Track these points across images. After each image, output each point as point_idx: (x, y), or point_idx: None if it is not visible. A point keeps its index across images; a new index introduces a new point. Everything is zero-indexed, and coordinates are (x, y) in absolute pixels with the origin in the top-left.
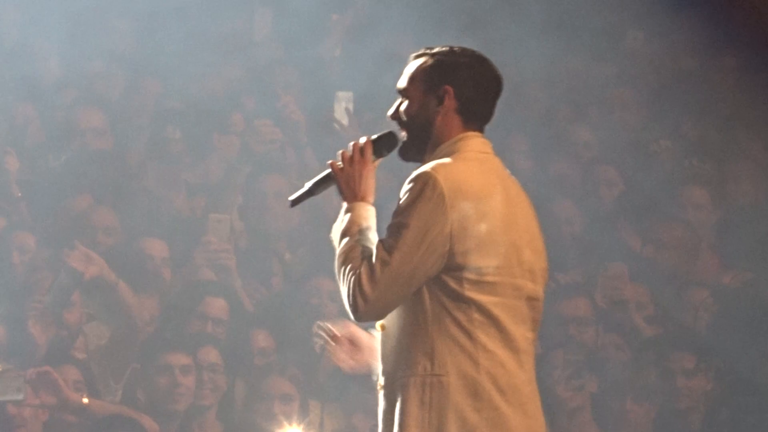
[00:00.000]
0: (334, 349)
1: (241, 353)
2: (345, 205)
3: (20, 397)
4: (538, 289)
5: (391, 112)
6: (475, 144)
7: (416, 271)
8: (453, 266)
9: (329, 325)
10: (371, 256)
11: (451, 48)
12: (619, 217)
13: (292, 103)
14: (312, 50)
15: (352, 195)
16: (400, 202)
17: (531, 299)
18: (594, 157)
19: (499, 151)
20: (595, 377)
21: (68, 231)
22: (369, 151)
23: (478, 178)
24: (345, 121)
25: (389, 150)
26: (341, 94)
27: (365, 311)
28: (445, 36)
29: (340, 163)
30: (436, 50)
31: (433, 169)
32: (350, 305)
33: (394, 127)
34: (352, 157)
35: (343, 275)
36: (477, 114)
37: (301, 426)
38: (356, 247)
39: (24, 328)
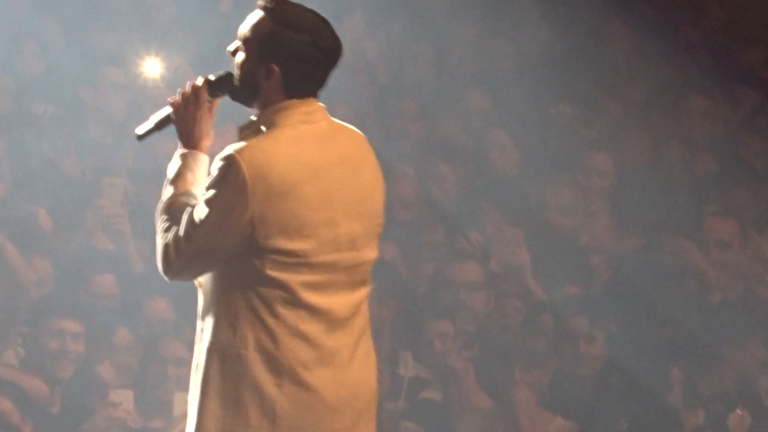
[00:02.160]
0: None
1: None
2: (179, 148)
3: None
4: (362, 254)
5: (230, 48)
6: (295, 115)
7: (217, 249)
8: (257, 248)
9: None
10: (181, 223)
11: (296, 13)
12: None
13: (184, 64)
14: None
15: (186, 139)
16: (210, 177)
17: (353, 266)
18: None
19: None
20: (482, 344)
21: None
22: (204, 95)
23: (287, 159)
24: None
25: (227, 91)
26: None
27: (171, 276)
28: None
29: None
30: (281, 14)
31: (238, 152)
32: (160, 266)
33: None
34: (188, 99)
35: (157, 232)
36: (303, 88)
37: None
38: (174, 204)
39: None
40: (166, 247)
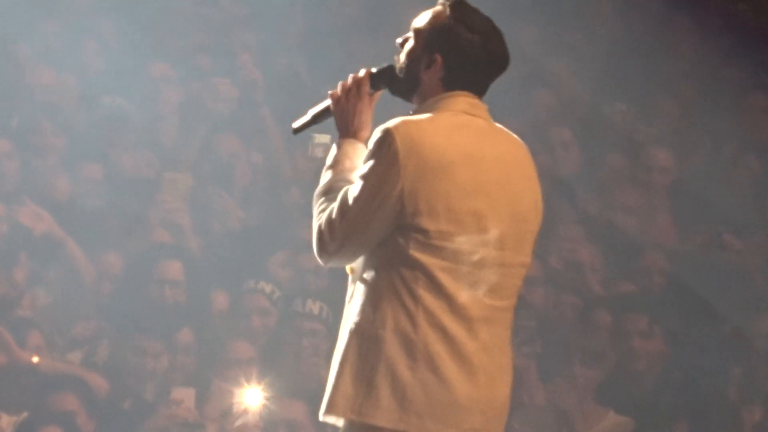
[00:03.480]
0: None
1: (200, 315)
2: (338, 138)
3: None
4: (510, 255)
5: (399, 41)
6: (459, 103)
7: (370, 224)
8: (403, 225)
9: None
10: (335, 204)
11: (468, 13)
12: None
13: (249, 62)
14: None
15: (345, 129)
16: (366, 154)
17: (501, 266)
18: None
19: None
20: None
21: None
22: (366, 86)
23: (443, 139)
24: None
25: (388, 84)
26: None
27: (326, 259)
28: None
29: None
30: (457, 8)
31: (394, 126)
32: (315, 250)
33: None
34: (349, 90)
35: (315, 215)
36: (463, 86)
37: (261, 386)
38: (330, 189)
39: None
40: (321, 228)
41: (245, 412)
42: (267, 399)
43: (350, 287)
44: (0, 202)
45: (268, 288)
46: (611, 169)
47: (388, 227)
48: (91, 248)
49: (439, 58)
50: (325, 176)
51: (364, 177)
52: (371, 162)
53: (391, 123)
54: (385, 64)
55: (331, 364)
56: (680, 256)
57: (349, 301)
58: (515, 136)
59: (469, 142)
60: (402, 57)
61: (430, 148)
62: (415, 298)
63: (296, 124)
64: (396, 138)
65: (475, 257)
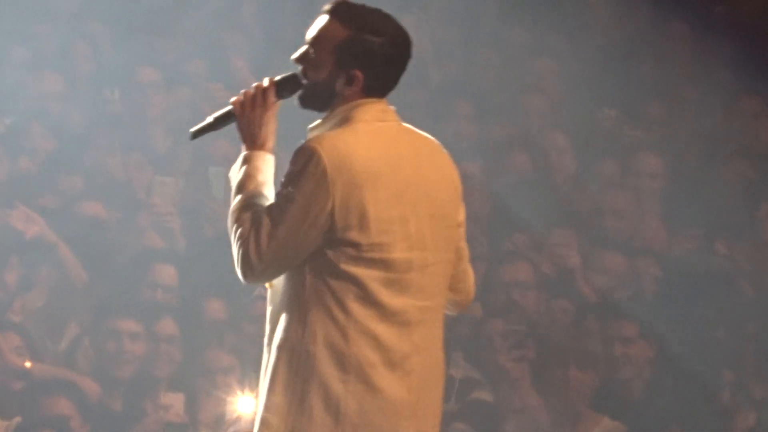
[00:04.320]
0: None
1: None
2: (243, 150)
3: None
4: (431, 255)
5: (296, 56)
6: (372, 111)
7: (301, 244)
8: (333, 240)
9: None
10: (260, 224)
11: (370, 19)
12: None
13: (245, 68)
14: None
15: (251, 141)
16: (287, 172)
17: (424, 267)
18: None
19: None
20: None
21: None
22: (272, 96)
23: (364, 151)
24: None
25: (291, 93)
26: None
27: (253, 280)
28: None
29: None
30: (354, 19)
31: (318, 143)
32: (240, 271)
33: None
34: (254, 100)
35: (234, 237)
36: (381, 89)
37: (254, 394)
38: (248, 207)
39: None
40: (246, 250)
41: (238, 419)
42: None
43: (270, 303)
44: None
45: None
46: (603, 174)
47: (317, 244)
48: (83, 252)
49: (359, 73)
50: (238, 194)
51: (290, 196)
52: (297, 181)
53: (314, 140)
54: (288, 73)
55: (259, 382)
56: (671, 261)
57: (271, 318)
58: (425, 133)
59: (388, 150)
60: (312, 72)
61: (357, 162)
62: (346, 311)
63: (194, 129)
64: (323, 156)
65: (404, 263)
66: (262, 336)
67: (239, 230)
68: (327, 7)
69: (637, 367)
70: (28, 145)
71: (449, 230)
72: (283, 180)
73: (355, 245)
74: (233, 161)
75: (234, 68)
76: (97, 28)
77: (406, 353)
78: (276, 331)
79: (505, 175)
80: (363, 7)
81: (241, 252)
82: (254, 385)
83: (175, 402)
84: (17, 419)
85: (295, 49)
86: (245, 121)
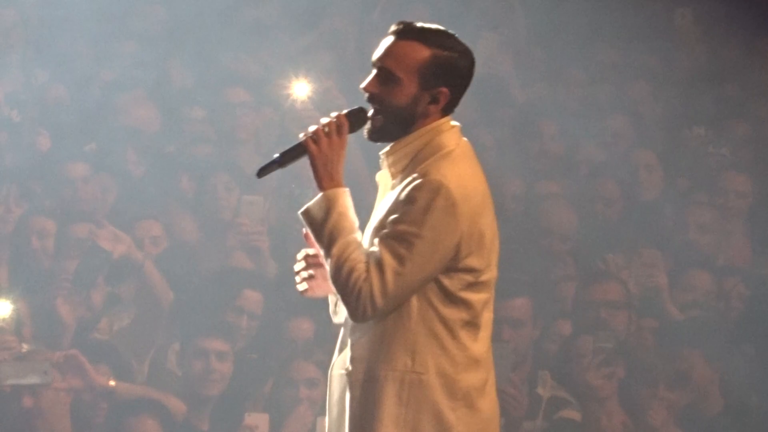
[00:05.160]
0: (313, 277)
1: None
2: (320, 188)
3: (47, 380)
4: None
5: (367, 85)
6: (455, 136)
7: (426, 279)
8: (453, 268)
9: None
10: (380, 264)
11: (444, 37)
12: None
13: (333, 88)
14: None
15: (329, 179)
16: (407, 207)
17: (494, 286)
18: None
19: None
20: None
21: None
22: (346, 131)
23: (474, 178)
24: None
25: (359, 127)
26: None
27: (369, 318)
28: None
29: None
30: (430, 37)
31: (443, 176)
32: (355, 312)
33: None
34: (329, 137)
35: (347, 280)
36: (455, 105)
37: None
38: (356, 246)
39: (51, 310)
40: (370, 291)
41: None
42: None
43: (355, 332)
44: (80, 223)
45: None
46: (688, 192)
47: (438, 274)
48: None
49: (445, 90)
50: (339, 233)
51: (417, 233)
52: (426, 217)
53: (435, 173)
54: (354, 107)
55: (330, 411)
56: (758, 280)
57: (352, 346)
58: None
59: (480, 173)
60: (394, 97)
61: (475, 191)
62: (455, 338)
63: (261, 167)
64: (451, 189)
65: (493, 282)
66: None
67: (354, 272)
68: (395, 28)
69: (723, 388)
70: (116, 165)
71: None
72: (400, 217)
73: (473, 271)
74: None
75: (323, 88)
76: (184, 47)
77: (491, 371)
78: (370, 363)
79: (591, 194)
80: (431, 26)
81: (360, 293)
82: None
83: (260, 423)
84: None
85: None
86: (322, 160)
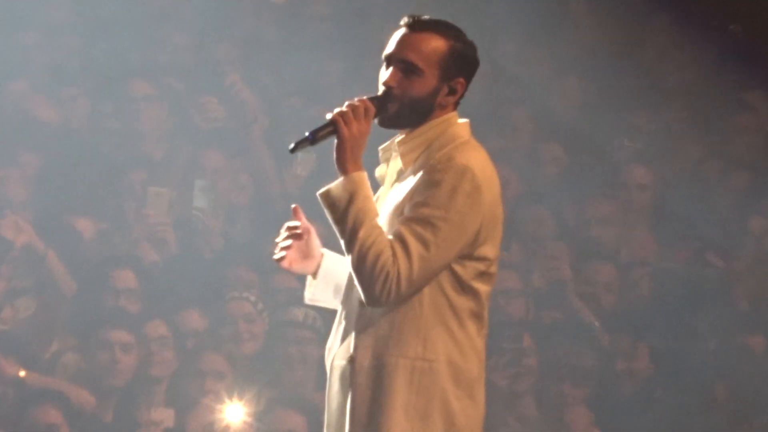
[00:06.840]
0: (293, 246)
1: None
2: (344, 168)
3: None
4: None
5: (388, 79)
6: (468, 129)
7: (447, 264)
8: (468, 255)
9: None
10: (407, 249)
11: (455, 29)
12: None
13: (239, 81)
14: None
15: (353, 163)
16: (432, 191)
17: None
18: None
19: None
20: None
21: None
22: (372, 116)
23: (493, 168)
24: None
25: (378, 115)
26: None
27: (391, 302)
28: None
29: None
30: (445, 29)
31: (467, 160)
32: (378, 296)
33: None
34: (358, 121)
35: (374, 264)
36: (464, 94)
37: (242, 402)
38: (380, 232)
39: None
40: (397, 275)
41: (227, 428)
42: (261, 412)
43: (361, 319)
44: None
45: (252, 298)
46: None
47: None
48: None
49: (462, 80)
50: (365, 216)
51: (443, 216)
52: (451, 200)
53: (462, 158)
54: (376, 95)
55: (353, 399)
56: (663, 274)
57: (357, 333)
58: None
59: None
60: (415, 88)
61: (494, 181)
62: (463, 326)
63: (294, 144)
64: (476, 173)
65: (495, 276)
66: (257, 339)
67: (381, 256)
68: (408, 21)
69: (630, 381)
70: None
71: None
72: (423, 199)
73: (485, 260)
74: (222, 174)
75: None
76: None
77: (484, 365)
78: (379, 350)
79: None
80: (439, 19)
81: (387, 277)
82: (243, 393)
83: (165, 417)
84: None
85: None
86: (352, 142)
